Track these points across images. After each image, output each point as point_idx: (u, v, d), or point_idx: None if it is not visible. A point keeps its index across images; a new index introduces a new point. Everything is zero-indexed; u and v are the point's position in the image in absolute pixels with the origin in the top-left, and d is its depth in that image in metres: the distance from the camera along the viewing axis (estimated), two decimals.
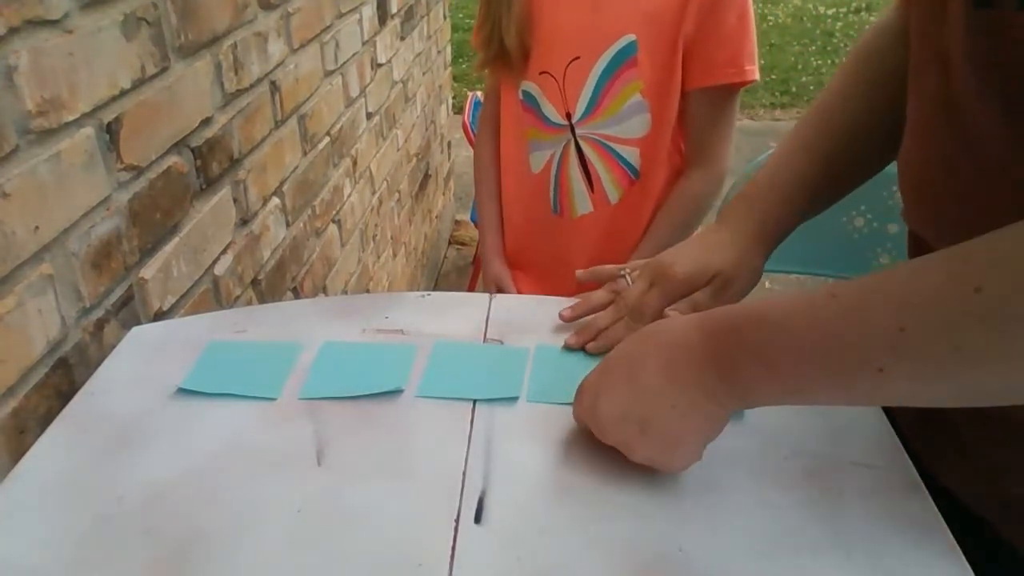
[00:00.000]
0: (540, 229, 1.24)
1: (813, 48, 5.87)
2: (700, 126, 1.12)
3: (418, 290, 2.26)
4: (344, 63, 1.55)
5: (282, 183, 1.26)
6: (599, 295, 0.82)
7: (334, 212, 1.54)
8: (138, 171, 0.85)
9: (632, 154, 1.13)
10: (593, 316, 0.80)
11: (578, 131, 1.14)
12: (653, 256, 1.21)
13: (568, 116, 1.13)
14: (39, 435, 0.67)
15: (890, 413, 0.78)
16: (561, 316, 0.81)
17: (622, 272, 0.83)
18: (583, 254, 1.21)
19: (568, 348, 0.78)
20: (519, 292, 1.27)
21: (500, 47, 1.12)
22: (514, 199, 1.27)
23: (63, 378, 0.74)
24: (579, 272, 0.89)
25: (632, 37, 1.06)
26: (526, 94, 1.16)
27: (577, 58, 1.09)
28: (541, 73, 1.12)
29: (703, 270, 0.78)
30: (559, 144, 1.16)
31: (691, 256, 0.79)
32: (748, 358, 0.55)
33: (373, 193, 1.85)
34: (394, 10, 1.97)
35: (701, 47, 1.06)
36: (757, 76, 1.08)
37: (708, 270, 0.78)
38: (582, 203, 1.18)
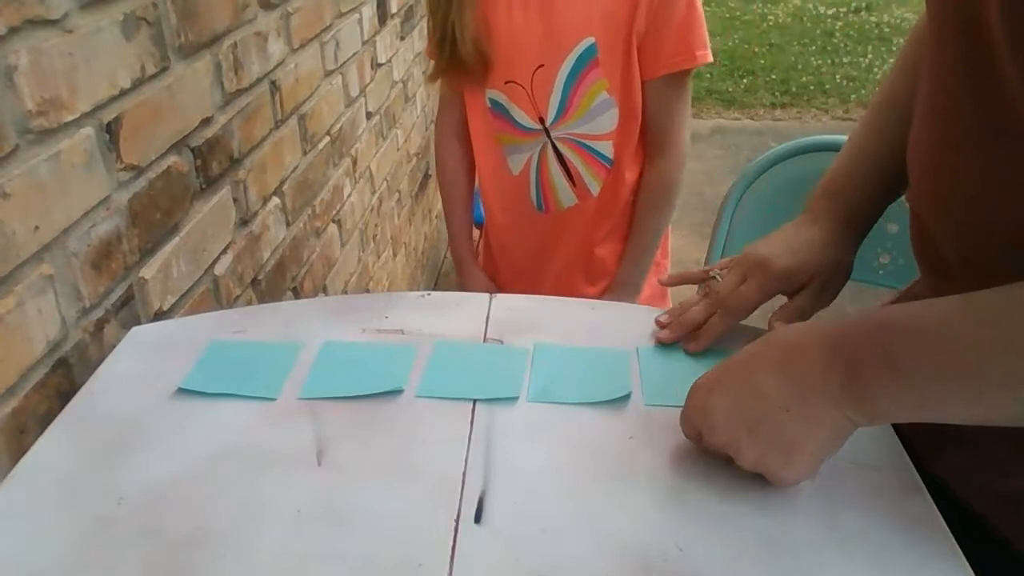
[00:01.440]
0: (525, 227, 1.26)
1: (813, 48, 5.86)
2: (658, 115, 1.15)
3: (418, 290, 2.26)
4: (344, 63, 1.55)
5: (282, 183, 1.26)
6: (693, 298, 0.80)
7: (334, 212, 1.54)
8: (138, 171, 0.85)
9: (606, 147, 1.17)
10: (686, 312, 0.78)
11: (553, 134, 1.16)
12: (644, 253, 1.23)
13: (541, 120, 1.15)
14: (39, 435, 0.67)
15: None
16: (657, 322, 0.79)
17: (712, 274, 0.80)
18: (569, 243, 1.25)
19: (661, 343, 0.77)
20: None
21: (452, 56, 1.12)
22: (496, 202, 1.28)
23: (63, 378, 0.74)
24: (662, 278, 0.89)
25: (591, 40, 1.08)
26: (493, 102, 1.17)
27: (541, 66, 1.11)
28: (507, 82, 1.14)
29: (801, 268, 0.75)
30: (535, 147, 1.18)
31: (786, 250, 0.76)
32: (874, 363, 0.51)
33: (373, 193, 1.85)
34: (394, 10, 1.97)
35: (653, 39, 1.09)
36: (710, 58, 1.11)
37: (806, 269, 0.75)
38: (566, 197, 1.21)
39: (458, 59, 1.12)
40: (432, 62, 1.18)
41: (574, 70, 1.11)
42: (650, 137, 1.18)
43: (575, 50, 1.09)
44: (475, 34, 1.10)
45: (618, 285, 1.25)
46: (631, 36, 1.08)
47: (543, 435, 0.67)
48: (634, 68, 1.11)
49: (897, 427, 0.68)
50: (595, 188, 1.19)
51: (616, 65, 1.10)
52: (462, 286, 1.34)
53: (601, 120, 1.14)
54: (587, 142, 1.16)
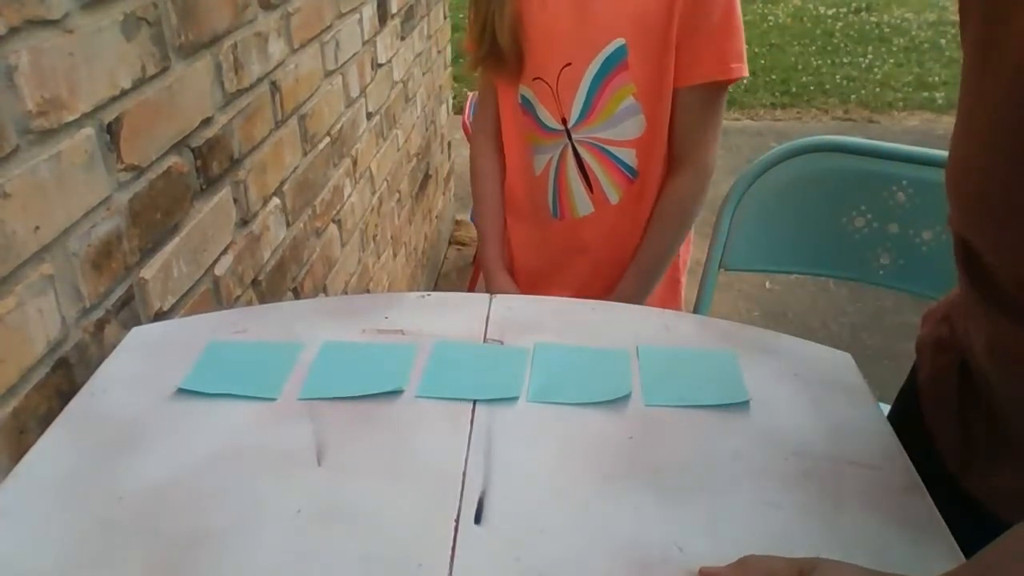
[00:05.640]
0: (540, 234, 1.24)
1: (813, 48, 5.87)
2: (687, 125, 1.12)
3: (418, 290, 2.26)
4: (344, 63, 1.55)
5: (282, 183, 1.26)
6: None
7: (334, 212, 1.54)
8: (138, 171, 0.85)
9: (628, 155, 1.13)
10: None
11: (574, 136, 1.14)
12: (647, 273, 1.18)
13: (564, 121, 1.13)
14: (39, 435, 0.67)
15: (916, 405, 0.77)
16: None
17: None
18: (585, 255, 1.21)
19: None
20: None
21: (492, 45, 1.11)
22: (515, 203, 1.26)
23: (63, 378, 0.74)
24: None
25: (622, 41, 1.06)
26: (524, 99, 1.16)
27: (569, 64, 1.09)
28: (535, 79, 1.13)
29: None
30: (556, 148, 1.16)
31: None
32: None
33: (373, 193, 1.85)
34: (394, 10, 1.97)
35: (687, 45, 1.06)
36: (745, 73, 1.07)
37: None
38: (583, 204, 1.18)
39: (496, 50, 1.11)
40: (470, 53, 1.17)
41: (601, 71, 1.08)
42: (674, 149, 1.14)
43: (604, 51, 1.07)
44: (513, 25, 1.09)
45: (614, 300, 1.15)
46: (669, 39, 1.05)
47: (543, 435, 0.67)
48: (668, 74, 1.07)
49: (927, 438, 0.67)
50: (614, 197, 1.16)
51: (646, 70, 1.07)
52: (489, 292, 1.27)
53: (625, 126, 1.11)
54: (609, 148, 1.13)
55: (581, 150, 1.15)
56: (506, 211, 1.28)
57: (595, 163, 1.15)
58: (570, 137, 1.14)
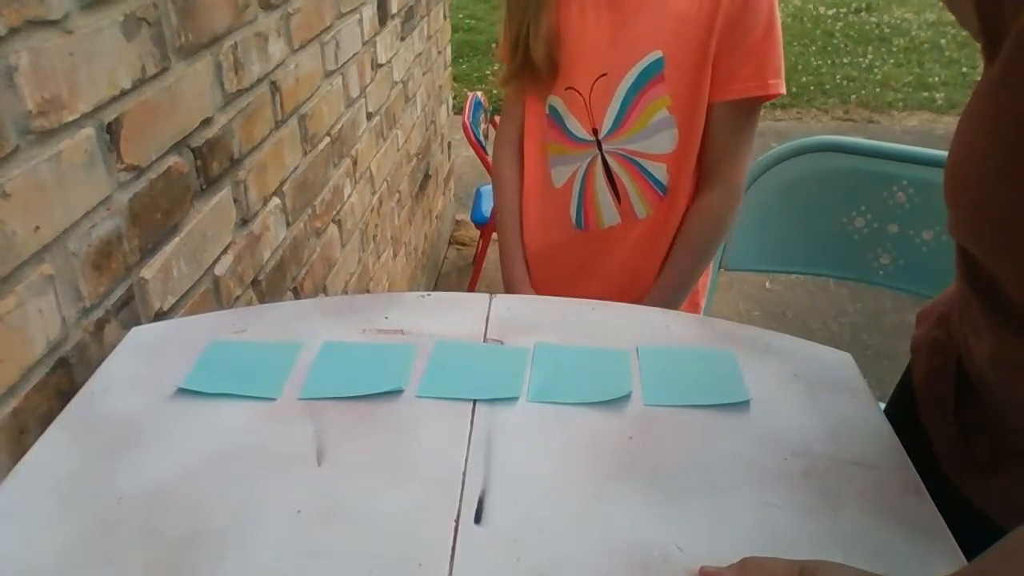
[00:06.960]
0: (562, 246, 1.22)
1: (813, 48, 5.87)
2: (721, 140, 1.10)
3: (418, 290, 2.26)
4: (344, 63, 1.55)
5: (282, 183, 1.26)
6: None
7: (334, 212, 1.54)
8: (138, 171, 0.85)
9: (659, 170, 1.12)
10: None
11: (605, 147, 1.12)
12: (673, 290, 1.16)
13: (595, 132, 1.12)
14: (39, 435, 0.67)
15: (912, 405, 0.77)
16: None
17: None
18: (610, 267, 1.19)
19: None
20: None
21: (525, 59, 1.10)
22: (533, 215, 1.24)
23: (63, 378, 0.74)
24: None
25: (659, 54, 1.05)
26: (551, 108, 1.14)
27: (604, 75, 1.08)
28: (567, 89, 1.11)
29: None
30: (584, 159, 1.14)
31: None
32: None
33: (373, 193, 1.85)
34: (394, 10, 1.97)
35: (726, 60, 1.05)
36: (782, 90, 1.05)
37: None
38: (609, 215, 1.16)
39: (529, 63, 1.10)
40: (504, 66, 1.15)
41: (636, 83, 1.07)
42: (705, 164, 1.12)
43: (640, 63, 1.06)
44: (547, 37, 1.08)
45: None
46: (707, 54, 1.04)
47: (543, 435, 0.67)
48: (703, 90, 1.06)
49: (922, 438, 0.67)
50: (641, 211, 1.14)
51: (682, 84, 1.06)
52: None
53: (658, 139, 1.10)
54: (640, 160, 1.12)
55: (611, 161, 1.13)
56: (524, 222, 1.26)
57: (625, 175, 1.13)
58: (600, 148, 1.13)
